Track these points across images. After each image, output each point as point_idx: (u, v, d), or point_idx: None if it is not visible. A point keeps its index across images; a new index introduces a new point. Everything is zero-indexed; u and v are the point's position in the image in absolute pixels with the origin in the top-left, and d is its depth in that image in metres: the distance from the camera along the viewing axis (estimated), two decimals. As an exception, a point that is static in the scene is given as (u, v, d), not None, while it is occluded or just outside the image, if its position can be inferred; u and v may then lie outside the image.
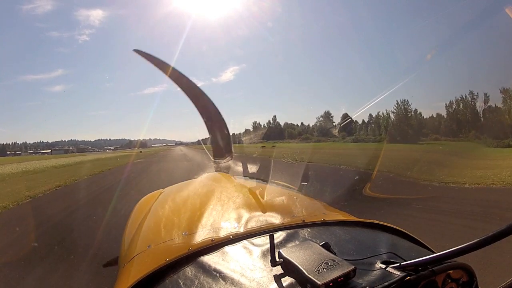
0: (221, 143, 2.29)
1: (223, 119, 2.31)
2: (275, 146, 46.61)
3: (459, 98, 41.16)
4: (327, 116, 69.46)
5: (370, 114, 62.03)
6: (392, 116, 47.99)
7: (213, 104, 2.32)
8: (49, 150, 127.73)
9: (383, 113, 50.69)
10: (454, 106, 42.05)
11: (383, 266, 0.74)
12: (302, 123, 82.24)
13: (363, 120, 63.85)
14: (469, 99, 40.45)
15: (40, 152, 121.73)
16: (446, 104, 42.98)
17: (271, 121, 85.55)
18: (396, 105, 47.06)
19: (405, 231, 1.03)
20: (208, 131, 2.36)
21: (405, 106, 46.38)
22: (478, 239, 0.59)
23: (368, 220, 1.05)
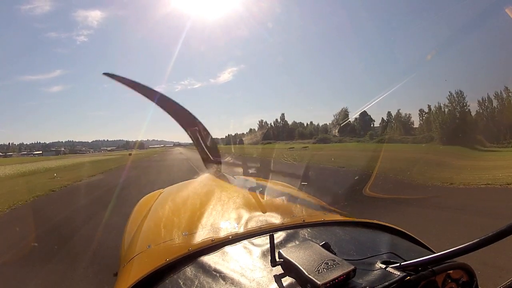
0: (207, 147, 2.16)
1: (200, 123, 2.22)
2: (306, 147, 38.79)
3: (493, 95, 34.77)
4: (345, 114, 62.40)
5: (389, 112, 56.14)
6: (445, 111, 38.48)
7: (188, 111, 2.23)
8: (40, 152, 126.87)
9: (433, 108, 40.87)
10: (486, 104, 36.05)
11: (383, 266, 0.74)
12: (311, 122, 78.68)
13: (382, 118, 58.52)
14: (505, 96, 34.35)
15: (32, 153, 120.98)
16: (479, 100, 36.83)
17: (279, 120, 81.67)
18: (449, 97, 37.99)
19: (405, 231, 1.03)
20: (194, 140, 2.20)
21: (460, 99, 37.37)
22: (478, 239, 0.60)
23: (368, 220, 1.06)
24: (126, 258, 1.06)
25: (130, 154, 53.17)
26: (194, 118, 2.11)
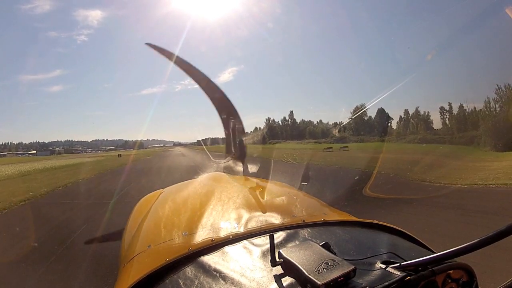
0: (236, 141, 2.12)
1: (238, 115, 2.17)
2: (346, 147, 33.39)
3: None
4: (362, 111, 58.22)
5: (406, 110, 53.61)
6: (494, 106, 31.05)
7: (227, 98, 2.16)
8: (35, 152, 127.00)
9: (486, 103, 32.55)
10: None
11: (383, 266, 0.74)
12: (321, 121, 77.23)
13: (400, 116, 56.08)
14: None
15: (27, 153, 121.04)
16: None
17: (287, 118, 79.96)
18: (497, 90, 31.07)
19: (405, 231, 1.03)
20: (224, 128, 2.15)
21: (510, 94, 30.25)
22: (478, 239, 0.60)
23: (368, 220, 1.06)
24: (126, 258, 1.06)
25: (119, 156, 47.19)
26: (235, 111, 2.12)
